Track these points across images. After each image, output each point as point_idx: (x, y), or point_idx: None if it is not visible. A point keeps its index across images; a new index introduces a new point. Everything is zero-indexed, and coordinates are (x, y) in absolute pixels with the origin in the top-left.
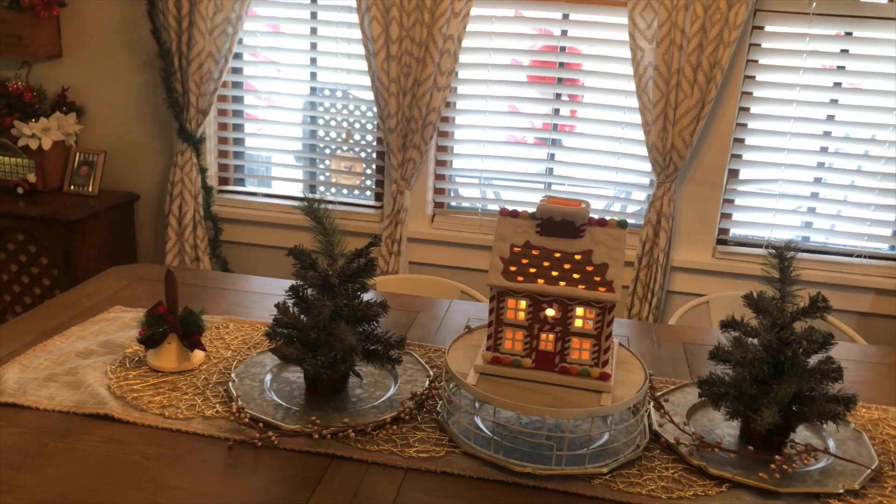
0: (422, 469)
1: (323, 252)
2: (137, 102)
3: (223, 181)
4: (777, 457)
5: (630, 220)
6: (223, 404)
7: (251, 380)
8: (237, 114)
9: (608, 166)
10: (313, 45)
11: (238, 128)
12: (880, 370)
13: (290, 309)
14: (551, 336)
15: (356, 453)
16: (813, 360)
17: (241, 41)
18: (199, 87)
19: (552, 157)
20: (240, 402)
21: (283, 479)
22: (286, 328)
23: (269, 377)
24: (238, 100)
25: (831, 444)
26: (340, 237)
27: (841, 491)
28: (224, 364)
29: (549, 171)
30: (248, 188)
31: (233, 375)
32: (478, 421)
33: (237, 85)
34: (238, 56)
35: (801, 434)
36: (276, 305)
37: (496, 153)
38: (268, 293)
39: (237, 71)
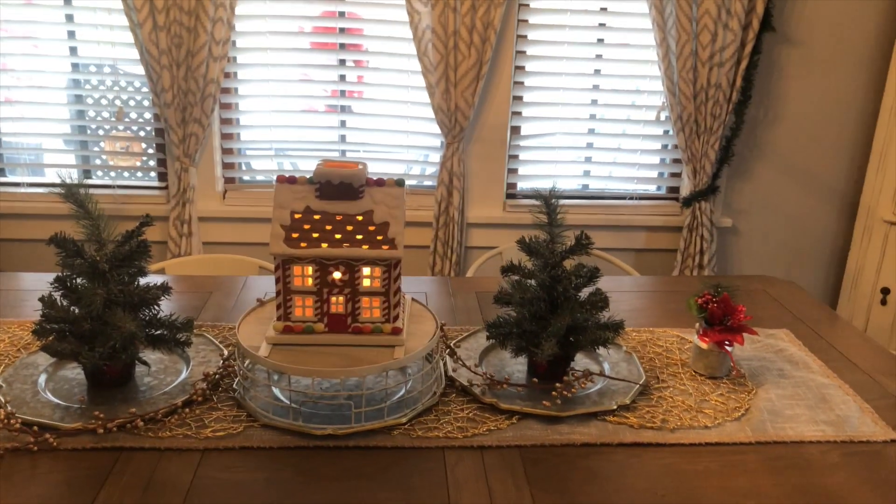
0: (219, 448)
1: (89, 238)
2: None
3: None
4: (558, 385)
5: (426, 182)
6: None
7: (22, 383)
8: None
9: (400, 130)
10: (69, 17)
11: None
12: (650, 297)
13: (59, 301)
14: (341, 298)
15: (147, 442)
16: (584, 293)
17: None
18: None
19: (343, 123)
20: (9, 408)
21: (66, 481)
22: (56, 322)
23: (43, 377)
24: None
25: (607, 367)
26: (107, 221)
27: (614, 407)
28: None
29: (343, 139)
30: (11, 178)
31: None
32: (276, 392)
33: None
34: None
35: (582, 362)
36: (41, 299)
37: (286, 123)
38: (37, 289)
39: None
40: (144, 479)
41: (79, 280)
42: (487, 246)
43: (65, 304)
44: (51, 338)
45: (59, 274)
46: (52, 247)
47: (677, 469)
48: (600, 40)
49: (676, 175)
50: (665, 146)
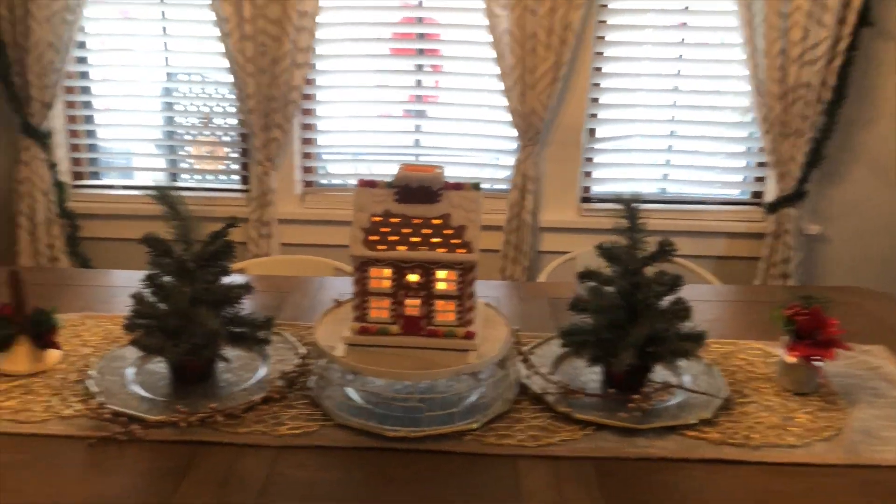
0: (295, 445)
1: (178, 238)
2: None
3: (77, 175)
4: (635, 396)
5: (499, 186)
6: (83, 402)
7: (112, 374)
8: (87, 105)
9: (475, 134)
10: (164, 30)
11: (90, 119)
12: (732, 307)
13: (147, 298)
14: (416, 301)
15: (225, 437)
16: (665, 302)
17: (84, 29)
18: (40, 80)
19: (419, 128)
20: (100, 399)
21: (149, 472)
22: (145, 318)
23: (131, 370)
24: (87, 90)
25: (687, 379)
26: (195, 222)
27: (695, 421)
28: (83, 362)
29: (417, 143)
30: (106, 181)
31: (91, 372)
32: (350, 392)
33: (85, 75)
34: (84, 45)
35: (661, 373)
36: (132, 296)
37: (363, 128)
38: (129, 286)
39: (84, 60)
40: (222, 473)
41: (167, 278)
42: (560, 251)
43: (153, 300)
44: (139, 333)
45: (149, 272)
46: (143, 246)
47: (761, 488)
48: (682, 40)
49: (761, 179)
50: (749, 149)
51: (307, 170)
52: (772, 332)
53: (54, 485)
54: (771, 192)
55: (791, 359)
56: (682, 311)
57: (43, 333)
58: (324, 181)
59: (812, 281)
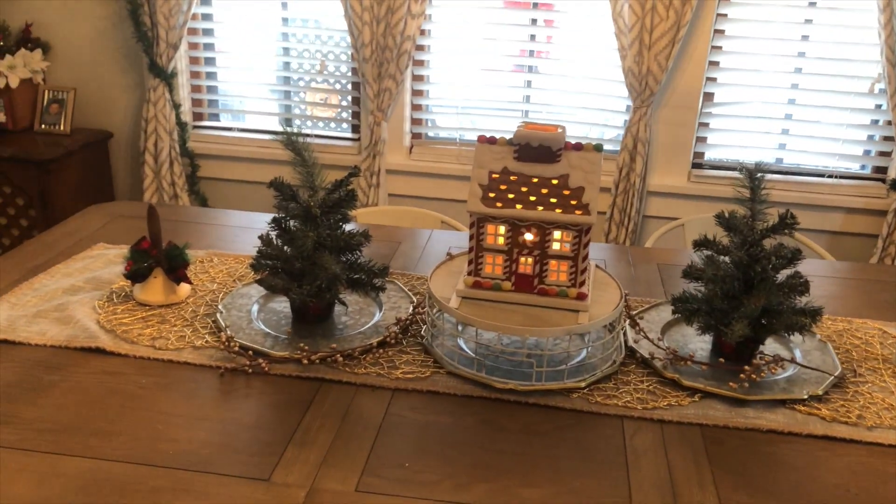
0: (408, 389)
1: (303, 184)
2: (104, 37)
3: (197, 117)
4: (746, 367)
5: (608, 146)
6: (212, 335)
7: (238, 311)
8: (208, 47)
9: (585, 92)
10: None
11: (210, 62)
12: (847, 284)
13: (274, 240)
14: (530, 259)
15: (345, 376)
16: (781, 275)
17: None
18: (167, 21)
19: (529, 84)
20: (229, 332)
21: (275, 403)
22: (271, 259)
23: (255, 308)
24: (209, 33)
25: (798, 354)
26: (320, 169)
27: (805, 397)
28: (210, 297)
29: (527, 99)
30: (224, 123)
31: (220, 307)
32: (461, 343)
33: (207, 17)
34: None
35: (770, 346)
36: (260, 237)
37: (474, 82)
38: (249, 227)
39: (206, 2)
40: (342, 409)
41: (292, 222)
42: (667, 217)
43: (279, 243)
44: (265, 272)
45: (276, 215)
46: (263, 188)
47: (873, 469)
48: (812, 3)
49: (885, 154)
50: (875, 122)
51: (415, 121)
52: (891, 312)
53: (193, 406)
54: (895, 169)
55: None
56: (799, 285)
57: (176, 267)
58: (430, 133)
59: None
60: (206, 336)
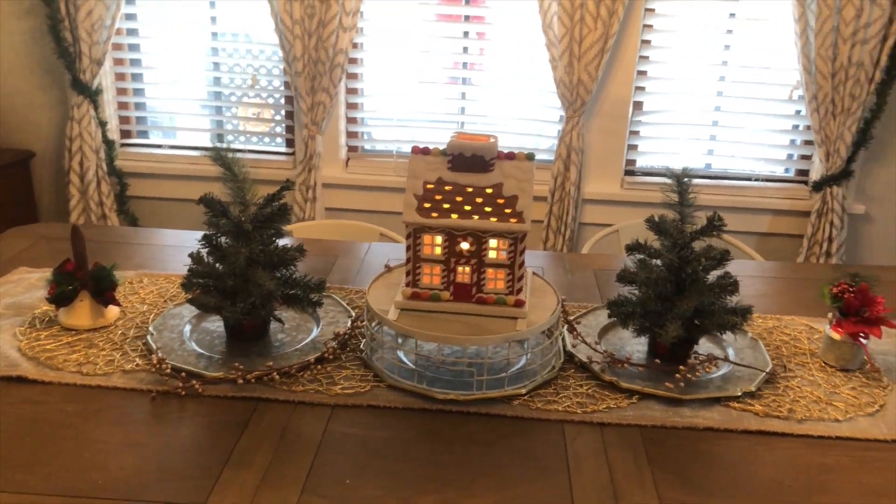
0: (348, 404)
1: (234, 200)
2: (23, 53)
3: (126, 134)
4: (681, 367)
5: (542, 156)
6: (143, 358)
7: (170, 332)
8: (135, 63)
9: (519, 103)
10: None
11: (137, 77)
12: (776, 283)
13: (205, 258)
14: (467, 268)
15: (282, 395)
16: (712, 276)
17: None
18: (90, 36)
19: (464, 95)
20: (160, 354)
21: (210, 425)
22: (202, 277)
23: (188, 328)
24: (135, 48)
25: (731, 352)
26: (251, 184)
27: (739, 394)
28: (141, 318)
29: (462, 110)
30: (153, 140)
31: (150, 328)
32: (401, 355)
33: (132, 32)
34: (132, 2)
35: (704, 346)
36: (191, 255)
37: (408, 94)
38: (180, 245)
39: (132, 17)
40: (280, 428)
41: (223, 239)
42: (602, 223)
43: (210, 260)
44: (197, 291)
45: (207, 232)
46: (191, 205)
47: (805, 461)
48: (732, 14)
49: (807, 157)
50: (796, 127)
51: (351, 134)
52: (816, 308)
53: (123, 432)
54: (817, 171)
55: (836, 335)
56: (729, 285)
57: (104, 290)
58: (367, 146)
59: (854, 260)
60: (137, 359)
